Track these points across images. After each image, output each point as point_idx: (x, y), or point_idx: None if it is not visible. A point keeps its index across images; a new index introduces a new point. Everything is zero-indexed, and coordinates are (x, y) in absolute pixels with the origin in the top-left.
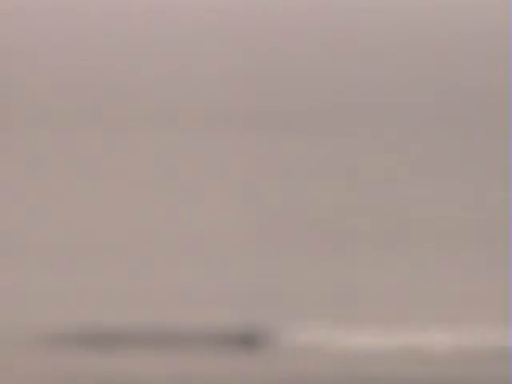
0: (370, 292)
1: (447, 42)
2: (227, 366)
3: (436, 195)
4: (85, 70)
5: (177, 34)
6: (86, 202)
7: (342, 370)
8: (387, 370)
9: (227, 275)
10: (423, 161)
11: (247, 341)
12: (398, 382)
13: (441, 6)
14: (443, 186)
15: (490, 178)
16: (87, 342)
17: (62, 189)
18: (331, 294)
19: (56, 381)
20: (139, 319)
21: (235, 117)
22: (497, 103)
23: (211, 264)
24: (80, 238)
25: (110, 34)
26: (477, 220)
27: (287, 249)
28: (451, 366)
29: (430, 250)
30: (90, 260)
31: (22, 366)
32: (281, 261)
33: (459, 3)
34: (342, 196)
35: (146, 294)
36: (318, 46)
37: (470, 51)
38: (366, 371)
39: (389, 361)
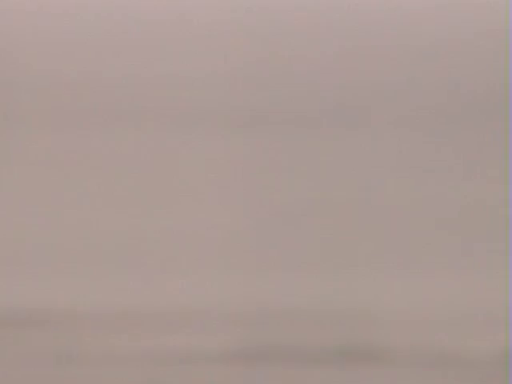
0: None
1: (448, 41)
2: None
3: (435, 195)
4: (84, 69)
5: (177, 34)
6: (85, 202)
7: None
8: None
9: None
10: (423, 161)
11: None
12: None
13: (441, 5)
14: (443, 185)
15: (489, 177)
16: None
17: (61, 189)
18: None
19: None
20: None
21: (235, 117)
22: (497, 103)
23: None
24: (77, 238)
25: (111, 34)
26: (476, 220)
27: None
28: (450, 369)
29: (429, 250)
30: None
31: None
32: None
33: (459, 3)
34: (343, 196)
35: None
36: (318, 46)
37: (470, 51)
38: None
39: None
